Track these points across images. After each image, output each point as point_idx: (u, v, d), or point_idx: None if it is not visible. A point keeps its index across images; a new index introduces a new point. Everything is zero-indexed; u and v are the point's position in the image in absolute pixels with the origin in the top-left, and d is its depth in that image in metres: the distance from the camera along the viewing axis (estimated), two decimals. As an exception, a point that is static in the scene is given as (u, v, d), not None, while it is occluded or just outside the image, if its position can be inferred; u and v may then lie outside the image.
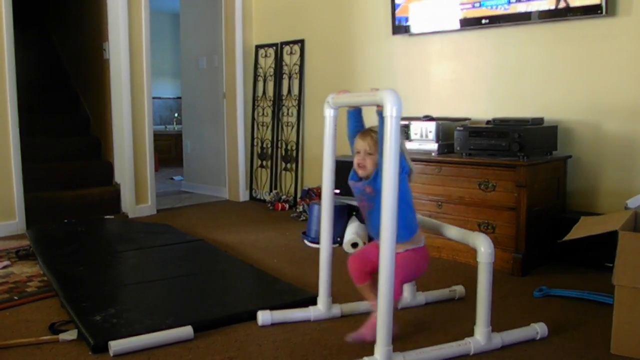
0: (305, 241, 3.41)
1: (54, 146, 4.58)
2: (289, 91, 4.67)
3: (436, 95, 3.67)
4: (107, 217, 4.07)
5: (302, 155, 4.62)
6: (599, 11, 2.84)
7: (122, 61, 4.16)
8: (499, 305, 2.15)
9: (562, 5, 2.98)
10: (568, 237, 2.04)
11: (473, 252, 1.87)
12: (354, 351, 1.84)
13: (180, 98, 6.63)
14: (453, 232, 2.01)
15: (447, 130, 3.17)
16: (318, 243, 2.97)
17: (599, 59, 2.95)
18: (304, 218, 4.02)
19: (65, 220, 3.80)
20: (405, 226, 1.87)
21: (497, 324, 1.93)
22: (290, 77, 4.66)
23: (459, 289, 2.40)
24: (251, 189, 5.02)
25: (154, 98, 5.22)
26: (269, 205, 4.59)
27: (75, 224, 3.70)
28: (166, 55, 8.32)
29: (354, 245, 3.17)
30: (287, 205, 4.51)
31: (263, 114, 4.90)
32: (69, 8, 5.37)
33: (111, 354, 1.83)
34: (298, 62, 4.58)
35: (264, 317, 2.09)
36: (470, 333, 1.88)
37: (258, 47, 4.92)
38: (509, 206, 2.75)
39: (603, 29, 2.91)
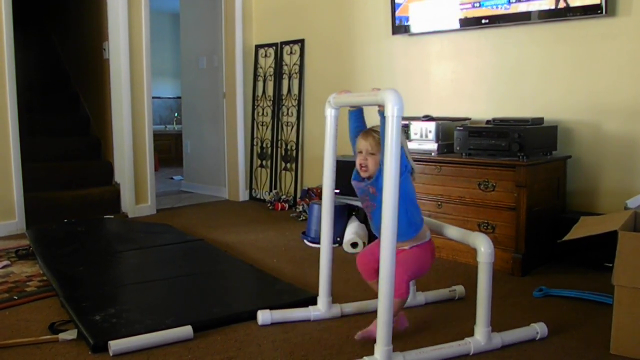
0: (305, 241, 3.41)
1: (54, 146, 4.58)
2: (289, 91, 4.67)
3: (436, 95, 3.67)
4: (107, 217, 4.07)
5: (302, 155, 4.62)
6: (599, 11, 2.84)
7: (122, 61, 4.16)
8: (499, 305, 2.14)
9: (562, 5, 2.98)
10: (568, 237, 2.04)
11: (473, 252, 1.87)
12: (354, 351, 1.84)
13: (180, 98, 6.63)
14: (453, 232, 2.01)
15: (447, 130, 3.17)
16: (318, 243, 2.98)
17: (599, 59, 2.95)
18: (304, 218, 4.02)
19: (65, 220, 3.80)
20: (411, 223, 1.88)
21: (497, 324, 1.93)
22: (290, 77, 4.66)
23: (459, 289, 2.40)
24: (251, 188, 5.02)
25: (154, 98, 5.23)
26: (269, 205, 4.59)
27: (75, 224, 3.70)
28: (166, 55, 8.33)
29: (354, 245, 3.17)
30: (286, 205, 4.51)
31: (263, 113, 4.90)
32: (69, 8, 5.37)
33: (111, 354, 1.83)
34: (298, 62, 4.58)
35: (263, 316, 2.08)
36: (470, 333, 1.88)
37: (258, 47, 4.92)
38: (508, 206, 2.75)
39: (603, 29, 2.91)
